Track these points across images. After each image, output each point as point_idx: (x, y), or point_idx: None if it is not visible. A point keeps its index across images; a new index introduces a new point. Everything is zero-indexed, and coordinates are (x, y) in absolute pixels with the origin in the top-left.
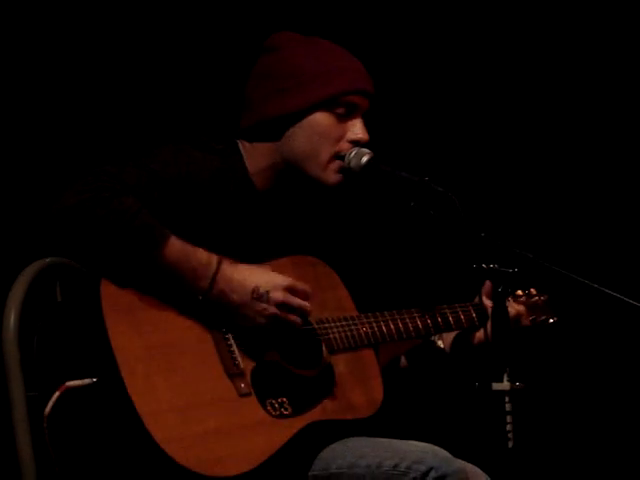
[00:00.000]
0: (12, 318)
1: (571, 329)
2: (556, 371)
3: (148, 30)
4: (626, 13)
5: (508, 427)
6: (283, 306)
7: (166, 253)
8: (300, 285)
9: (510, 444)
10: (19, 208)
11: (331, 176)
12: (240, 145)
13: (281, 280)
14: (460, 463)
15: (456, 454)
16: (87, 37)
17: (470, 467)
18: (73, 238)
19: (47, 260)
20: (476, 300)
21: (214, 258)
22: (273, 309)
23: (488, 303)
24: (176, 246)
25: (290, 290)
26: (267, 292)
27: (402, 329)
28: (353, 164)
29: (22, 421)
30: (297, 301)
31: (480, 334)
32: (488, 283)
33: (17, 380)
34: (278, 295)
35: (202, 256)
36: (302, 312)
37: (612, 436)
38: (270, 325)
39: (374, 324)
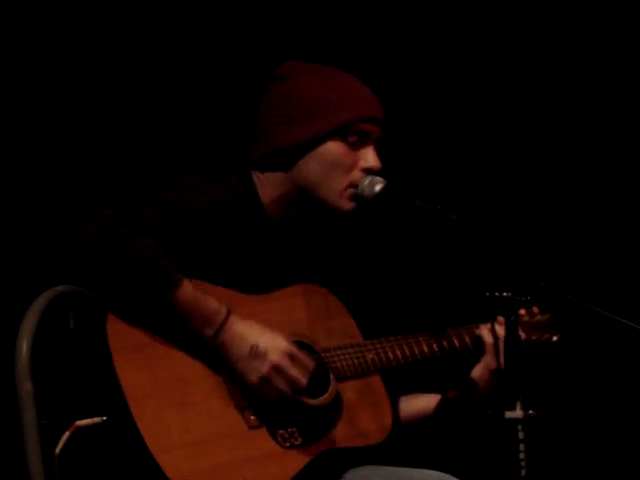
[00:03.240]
0: (24, 348)
1: (582, 356)
2: (569, 399)
3: (162, 61)
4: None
5: (521, 455)
6: (278, 370)
7: (177, 297)
8: (301, 355)
9: (523, 472)
10: (32, 234)
11: (345, 204)
12: (253, 175)
13: (283, 344)
14: None
15: None
16: (105, 71)
17: None
18: (87, 270)
19: (60, 288)
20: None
21: (224, 308)
22: (265, 370)
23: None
24: (188, 291)
25: (290, 356)
26: (265, 352)
27: (408, 353)
28: (367, 192)
29: (35, 451)
30: (293, 371)
31: (484, 364)
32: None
33: (30, 410)
34: (275, 358)
35: (212, 305)
36: (295, 383)
37: (626, 464)
38: (260, 386)
39: (380, 350)
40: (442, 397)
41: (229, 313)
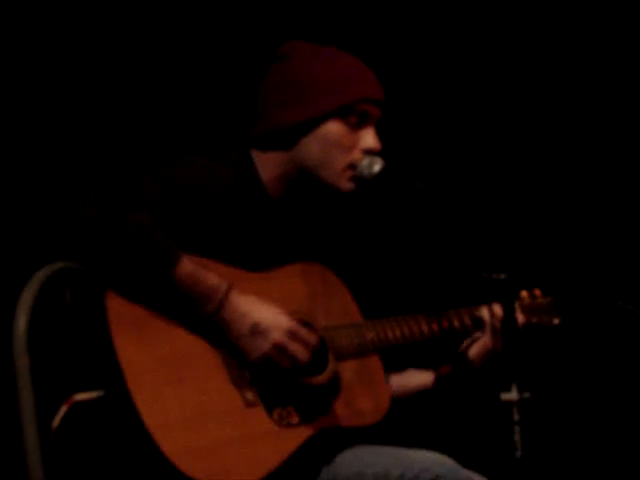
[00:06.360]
0: (22, 323)
1: (580, 338)
2: (564, 381)
3: (163, 40)
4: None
5: (516, 437)
6: (279, 348)
7: (176, 274)
8: (303, 332)
9: (518, 454)
10: (28, 212)
11: (344, 184)
12: (253, 154)
13: (284, 321)
14: (467, 472)
15: (463, 463)
16: (102, 45)
17: (477, 477)
18: (87, 248)
19: (57, 265)
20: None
21: (224, 284)
22: (268, 348)
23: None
24: (187, 268)
25: (291, 333)
26: (267, 330)
27: (408, 334)
28: (366, 173)
29: (31, 424)
30: (295, 348)
31: (482, 344)
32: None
33: (27, 385)
34: (277, 336)
35: (213, 281)
36: (296, 360)
37: (620, 446)
38: (261, 363)
39: (380, 330)
40: (436, 374)
41: (230, 288)
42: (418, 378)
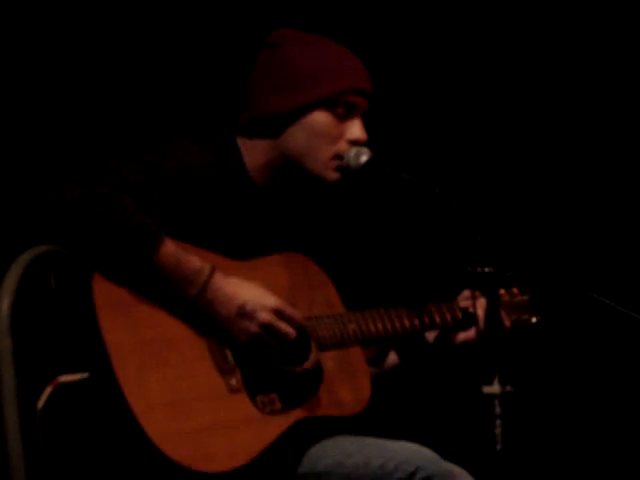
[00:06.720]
0: (5, 307)
1: (562, 332)
2: (547, 375)
3: (147, 24)
4: (626, 13)
5: (497, 430)
6: (267, 328)
7: (159, 256)
8: (289, 310)
9: (498, 447)
10: (11, 195)
11: (330, 174)
12: (239, 141)
13: (270, 301)
14: (447, 465)
15: (444, 455)
16: (83, 28)
17: (457, 469)
18: (69, 230)
19: (41, 248)
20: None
21: (207, 267)
22: (256, 329)
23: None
24: (170, 250)
25: (278, 312)
26: (254, 311)
27: (389, 327)
28: (352, 163)
29: (12, 410)
30: (282, 326)
31: (464, 335)
32: (466, 291)
33: (8, 367)
34: (264, 316)
35: (195, 264)
36: (286, 337)
37: (601, 439)
38: (250, 344)
39: (361, 321)
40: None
41: (213, 271)
42: (391, 357)
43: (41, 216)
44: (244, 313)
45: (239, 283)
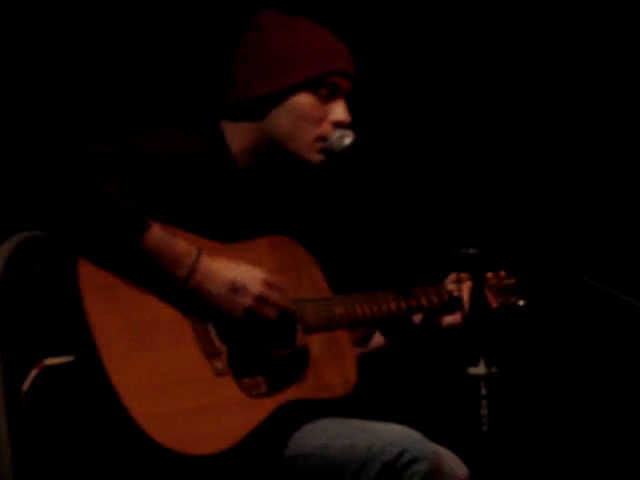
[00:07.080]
0: None
1: (549, 314)
2: (532, 356)
3: (128, 8)
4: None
5: (483, 411)
6: (260, 299)
7: (146, 240)
8: (275, 279)
9: (484, 428)
10: None
11: (314, 156)
12: (223, 124)
13: (259, 273)
14: (433, 446)
15: (430, 437)
16: (63, 15)
17: (443, 450)
18: (55, 216)
19: (26, 234)
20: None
21: (194, 249)
22: (249, 302)
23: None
24: (156, 234)
25: (269, 284)
26: (245, 285)
27: (376, 310)
28: (336, 145)
29: None
30: (274, 296)
31: (451, 318)
32: (453, 275)
33: None
34: (256, 288)
35: (182, 246)
36: (278, 307)
37: (587, 420)
38: (246, 317)
39: (348, 305)
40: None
41: (200, 253)
42: (378, 338)
43: (27, 203)
44: (236, 288)
45: (226, 262)
